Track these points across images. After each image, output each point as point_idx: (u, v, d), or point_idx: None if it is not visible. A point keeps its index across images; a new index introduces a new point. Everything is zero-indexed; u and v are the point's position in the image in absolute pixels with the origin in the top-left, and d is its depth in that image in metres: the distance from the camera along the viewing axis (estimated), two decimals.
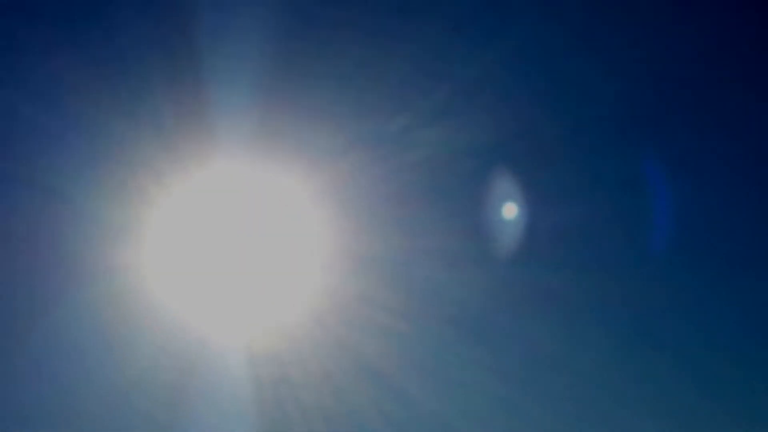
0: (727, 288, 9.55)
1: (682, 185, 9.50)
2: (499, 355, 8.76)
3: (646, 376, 9.25)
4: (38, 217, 8.30)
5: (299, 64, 8.40)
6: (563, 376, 8.88)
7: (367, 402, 8.58)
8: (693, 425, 9.05)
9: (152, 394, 8.31)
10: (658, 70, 9.20)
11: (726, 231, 9.58)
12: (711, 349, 9.41)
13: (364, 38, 8.46)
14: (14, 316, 8.23)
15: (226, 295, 8.62)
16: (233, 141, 8.25)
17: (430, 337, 8.69)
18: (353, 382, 8.59)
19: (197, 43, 8.18)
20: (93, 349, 8.28)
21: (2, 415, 8.13)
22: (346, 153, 8.41)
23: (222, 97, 8.22)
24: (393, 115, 8.52)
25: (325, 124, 8.40)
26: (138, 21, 8.26)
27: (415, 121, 8.47)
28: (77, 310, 8.22)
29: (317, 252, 8.56)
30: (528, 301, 8.84)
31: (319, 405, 8.52)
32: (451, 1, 8.63)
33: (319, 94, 8.44)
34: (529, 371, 8.83)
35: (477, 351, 8.73)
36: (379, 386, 8.59)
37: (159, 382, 8.31)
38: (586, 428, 8.96)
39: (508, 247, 8.75)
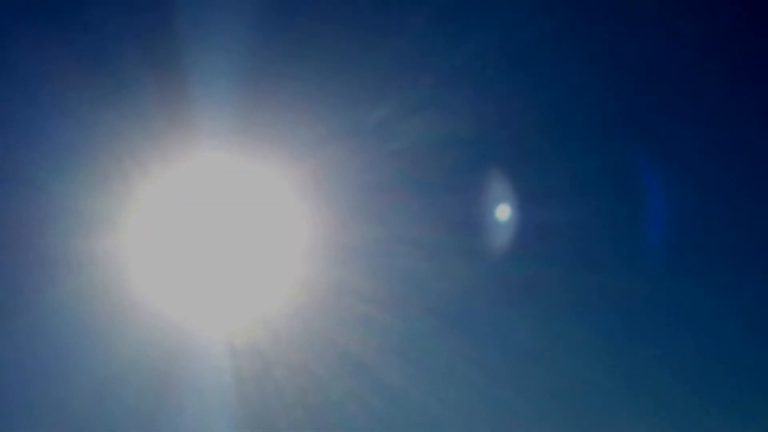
0: (718, 285, 9.56)
1: (675, 182, 9.51)
2: (479, 346, 8.78)
3: (631, 372, 9.26)
4: (21, 210, 8.32)
5: (282, 56, 8.43)
6: (546, 370, 8.88)
7: (348, 393, 8.60)
8: (677, 421, 9.06)
9: (135, 385, 8.34)
10: (654, 66, 9.20)
11: (719, 228, 9.58)
12: (699, 345, 9.43)
13: (346, 30, 8.49)
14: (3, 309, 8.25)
15: (207, 286, 8.64)
16: (215, 132, 8.27)
17: (411, 328, 8.71)
18: (334, 374, 8.61)
19: (180, 35, 8.20)
20: (76, 342, 8.32)
21: None
22: (327, 144, 8.44)
23: (204, 89, 8.25)
24: (374, 107, 8.54)
25: (306, 115, 8.43)
26: (121, 14, 8.30)
27: (397, 112, 8.49)
28: (60, 303, 8.25)
29: (298, 243, 8.58)
30: (510, 294, 8.86)
31: (299, 396, 8.55)
32: None
33: (301, 85, 8.47)
34: (510, 364, 8.83)
35: (458, 342, 8.74)
36: (360, 377, 8.61)
37: (141, 374, 8.33)
38: (567, 422, 8.97)
39: (491, 239, 8.77)
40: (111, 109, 8.11)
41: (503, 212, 8.83)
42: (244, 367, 8.55)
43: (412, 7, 8.52)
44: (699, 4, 9.19)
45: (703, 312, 9.45)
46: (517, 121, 8.84)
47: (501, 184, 8.85)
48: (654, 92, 9.43)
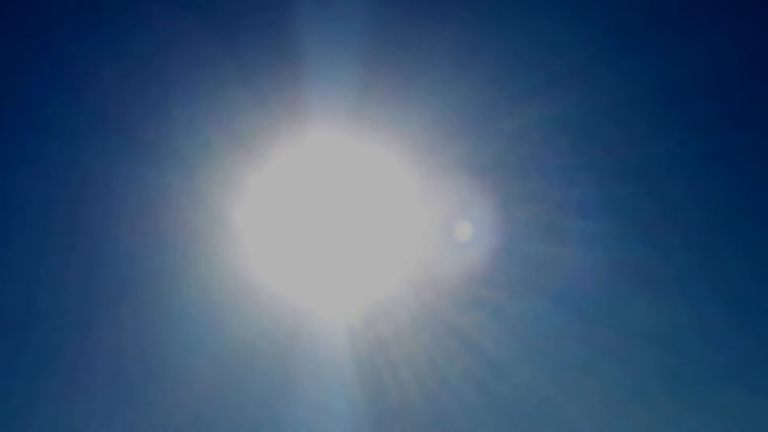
0: None
1: None
2: (600, 332, 8.71)
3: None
4: (139, 199, 8.60)
5: (397, 45, 8.48)
6: (667, 353, 8.77)
7: (465, 375, 8.64)
8: None
9: (257, 367, 8.57)
10: None
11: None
12: None
13: (457, 20, 8.52)
14: (134, 295, 8.58)
15: (327, 270, 8.76)
16: (339, 117, 8.37)
17: (528, 311, 8.69)
18: (452, 355, 8.66)
19: (303, 33, 8.34)
20: (202, 327, 8.59)
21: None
22: (444, 130, 8.50)
23: (324, 75, 8.36)
24: (484, 92, 8.57)
25: (422, 102, 8.49)
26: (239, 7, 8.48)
27: (511, 96, 8.51)
28: (188, 288, 8.53)
29: (417, 226, 8.66)
30: (633, 280, 8.78)
31: (417, 378, 8.62)
32: None
33: (416, 74, 8.54)
34: (629, 346, 8.73)
35: (579, 327, 8.70)
36: (477, 359, 8.64)
37: (264, 356, 8.57)
38: (683, 403, 8.84)
39: (612, 224, 8.72)
40: (236, 101, 8.34)
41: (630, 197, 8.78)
42: (363, 349, 8.67)
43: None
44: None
45: None
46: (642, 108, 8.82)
47: (619, 169, 8.81)
48: None
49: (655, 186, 8.91)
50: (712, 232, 9.25)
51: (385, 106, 8.47)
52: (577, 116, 8.67)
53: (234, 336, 8.58)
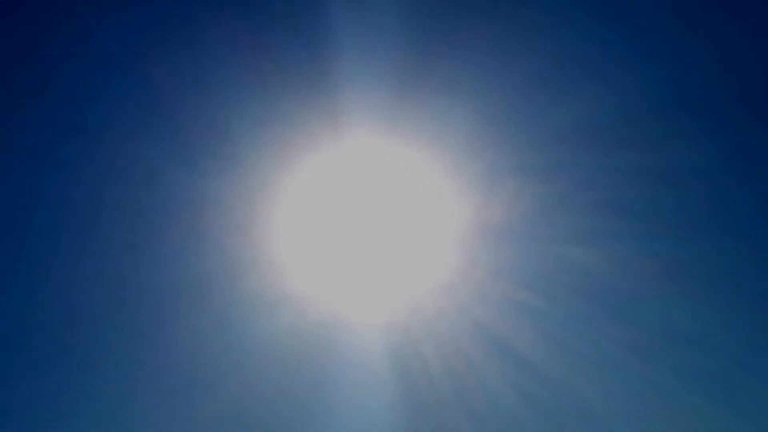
0: None
1: None
2: (636, 332, 8.69)
3: None
4: (178, 203, 8.62)
5: (432, 47, 8.45)
6: (702, 354, 8.73)
7: (500, 375, 8.62)
8: None
9: (294, 369, 8.60)
10: None
11: None
12: None
13: (489, 22, 8.47)
14: (173, 298, 8.61)
15: (363, 273, 8.76)
16: (377, 119, 8.37)
17: (563, 312, 8.67)
18: (486, 357, 8.65)
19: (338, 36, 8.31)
20: (239, 329, 8.64)
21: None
22: (481, 131, 8.47)
23: (360, 82, 8.35)
24: (522, 93, 8.55)
25: (457, 105, 8.46)
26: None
27: (550, 98, 8.49)
28: (226, 292, 8.59)
29: (453, 228, 8.63)
30: (667, 279, 8.72)
31: (452, 380, 8.62)
32: None
33: (450, 75, 8.50)
34: (665, 347, 8.71)
35: (614, 328, 8.66)
36: (511, 360, 8.62)
37: (300, 358, 8.59)
38: (722, 405, 8.79)
39: (646, 224, 8.67)
40: (272, 107, 8.33)
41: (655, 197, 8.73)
42: (398, 350, 8.69)
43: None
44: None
45: None
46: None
47: (650, 171, 8.76)
48: None
49: (686, 187, 8.85)
50: (742, 232, 9.19)
51: (419, 109, 8.47)
52: (608, 118, 8.65)
53: (271, 338, 8.65)
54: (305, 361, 8.68)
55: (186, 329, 8.55)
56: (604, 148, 8.77)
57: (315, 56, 8.35)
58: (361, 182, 8.60)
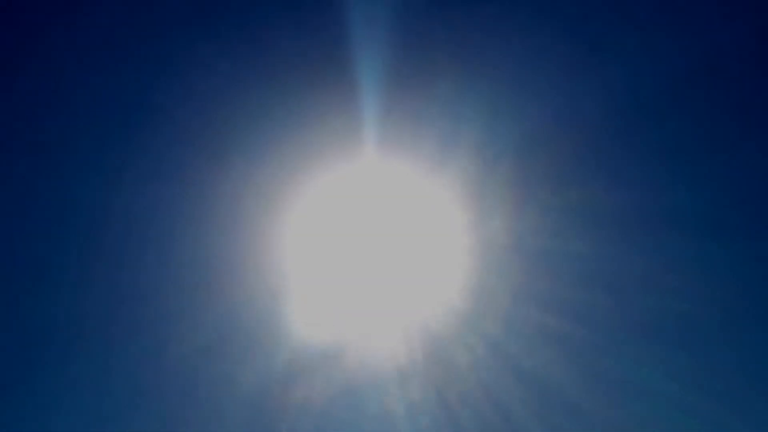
0: None
1: None
2: (660, 353, 8.24)
3: None
4: (194, 210, 8.54)
5: (446, 60, 8.37)
6: (737, 378, 8.22)
7: (519, 404, 8.24)
8: None
9: (312, 375, 8.38)
10: None
11: None
12: None
13: (505, 33, 8.39)
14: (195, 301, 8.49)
15: (376, 294, 8.52)
16: (382, 143, 8.28)
17: (581, 328, 8.25)
18: (505, 383, 8.28)
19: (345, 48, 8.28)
20: (258, 336, 8.48)
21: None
22: (498, 147, 8.27)
23: (369, 97, 8.28)
24: (536, 108, 8.37)
25: (470, 120, 8.32)
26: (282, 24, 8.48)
27: (562, 113, 8.29)
28: (246, 300, 8.44)
29: (470, 247, 8.35)
30: (693, 298, 8.29)
31: (470, 406, 8.26)
32: None
33: (464, 89, 8.38)
34: (700, 371, 8.21)
35: (640, 350, 8.22)
36: (533, 388, 8.24)
37: (318, 365, 8.39)
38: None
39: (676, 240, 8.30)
40: (280, 121, 8.30)
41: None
42: (412, 376, 8.38)
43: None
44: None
45: None
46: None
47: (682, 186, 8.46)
48: None
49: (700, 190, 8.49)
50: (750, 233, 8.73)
51: (435, 126, 8.30)
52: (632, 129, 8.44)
53: (290, 345, 8.46)
54: (325, 369, 8.42)
55: (207, 331, 8.42)
56: (622, 152, 8.55)
57: (327, 60, 8.30)
58: (380, 197, 8.40)
